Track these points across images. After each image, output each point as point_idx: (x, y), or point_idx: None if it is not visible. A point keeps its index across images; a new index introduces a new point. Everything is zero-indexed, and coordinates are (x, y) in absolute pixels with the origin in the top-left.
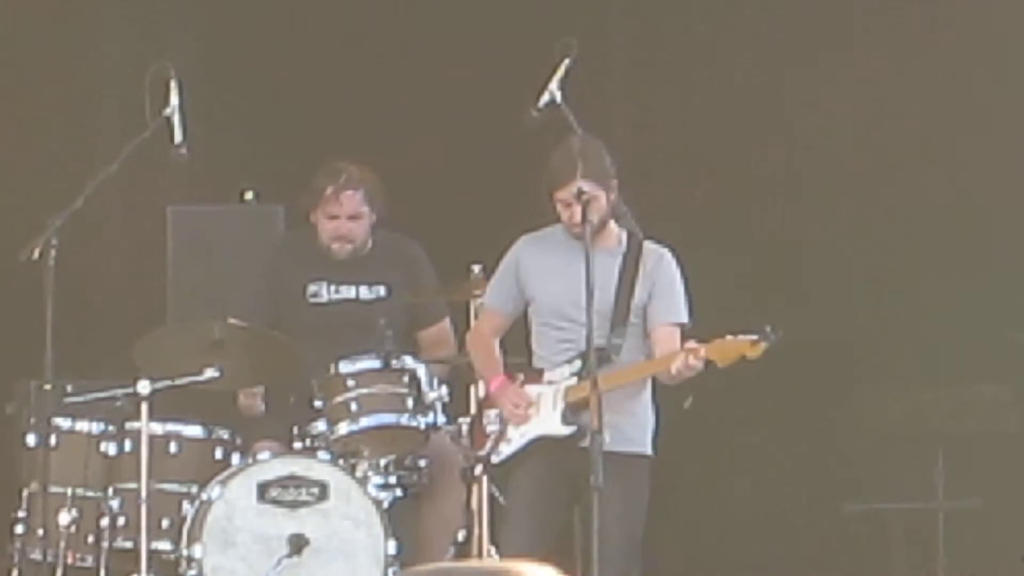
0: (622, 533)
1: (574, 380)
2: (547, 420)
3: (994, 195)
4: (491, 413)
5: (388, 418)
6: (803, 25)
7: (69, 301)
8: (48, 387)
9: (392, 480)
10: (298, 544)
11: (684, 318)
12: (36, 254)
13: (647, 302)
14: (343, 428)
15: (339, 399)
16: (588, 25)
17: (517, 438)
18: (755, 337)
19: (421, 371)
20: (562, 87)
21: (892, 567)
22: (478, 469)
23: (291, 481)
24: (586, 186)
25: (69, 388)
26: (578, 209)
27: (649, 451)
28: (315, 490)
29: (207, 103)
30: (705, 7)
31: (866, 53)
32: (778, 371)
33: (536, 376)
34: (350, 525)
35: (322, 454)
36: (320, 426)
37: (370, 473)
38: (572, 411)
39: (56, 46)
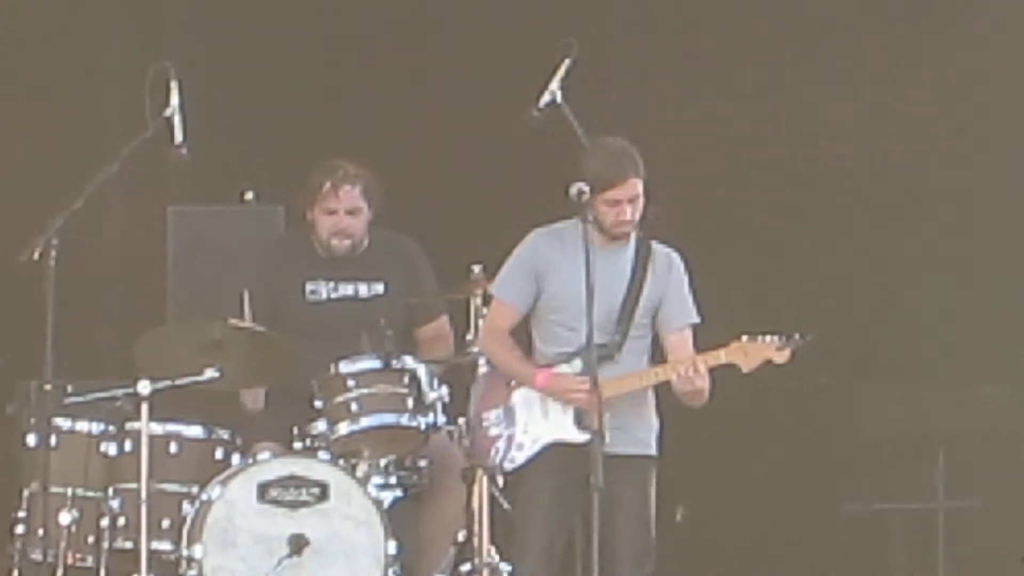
0: (637, 534)
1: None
2: (560, 425)
3: (994, 195)
4: (491, 415)
5: (388, 418)
6: (804, 26)
7: (69, 301)
8: (48, 387)
9: (392, 480)
10: (298, 544)
11: (696, 318)
12: (36, 254)
13: (658, 305)
14: (343, 428)
15: (339, 399)
16: (589, 25)
17: (529, 444)
18: (780, 341)
19: (421, 371)
20: (563, 87)
21: (892, 567)
22: (500, 479)
23: (291, 481)
24: (638, 187)
25: (69, 388)
26: (627, 207)
27: (655, 452)
28: (315, 490)
29: (207, 103)
30: (705, 8)
31: (867, 54)
32: (778, 371)
33: None
34: (350, 525)
35: (322, 454)
36: (320, 426)
37: (370, 473)
38: (588, 416)
39: (56, 46)
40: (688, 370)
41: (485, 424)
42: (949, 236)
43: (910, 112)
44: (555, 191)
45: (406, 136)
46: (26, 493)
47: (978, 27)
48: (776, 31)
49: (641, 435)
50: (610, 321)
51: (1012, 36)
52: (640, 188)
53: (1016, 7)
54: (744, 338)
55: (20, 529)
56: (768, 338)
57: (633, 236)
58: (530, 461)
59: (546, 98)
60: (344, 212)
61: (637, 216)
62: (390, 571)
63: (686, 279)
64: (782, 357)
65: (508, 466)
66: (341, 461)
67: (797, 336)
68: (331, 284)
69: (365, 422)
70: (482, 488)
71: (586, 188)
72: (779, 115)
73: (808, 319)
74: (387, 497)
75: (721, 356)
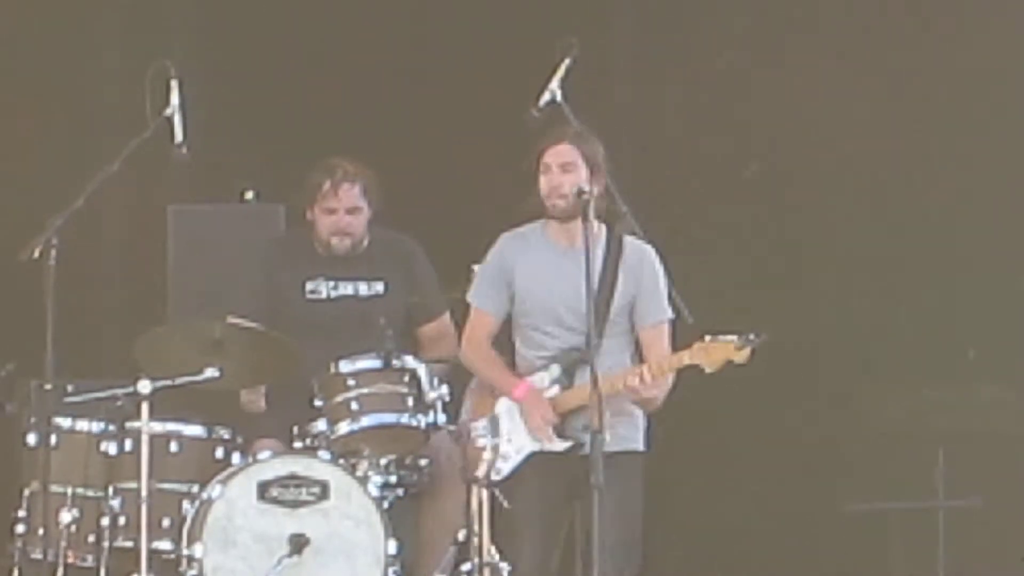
0: (618, 533)
1: (556, 389)
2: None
3: (994, 195)
4: (478, 425)
5: (389, 417)
6: (806, 25)
7: (69, 301)
8: (48, 387)
9: (392, 480)
10: (298, 544)
11: (669, 314)
12: (36, 254)
13: (632, 302)
14: (343, 427)
15: (339, 398)
16: (589, 24)
17: (513, 454)
18: (737, 340)
19: (421, 370)
20: (563, 87)
21: (892, 567)
22: (483, 493)
23: (292, 480)
24: (570, 154)
25: (69, 388)
26: (558, 174)
27: (641, 447)
28: (316, 489)
29: (207, 103)
30: (707, 6)
31: (871, 54)
32: (778, 370)
33: None
34: (350, 525)
35: (323, 453)
36: (320, 425)
37: (370, 473)
38: (567, 423)
39: (56, 46)
40: (635, 379)
41: (473, 435)
42: (949, 236)
43: (912, 111)
44: None
45: (406, 136)
46: (26, 492)
47: (980, 25)
48: (778, 31)
49: (621, 431)
50: (580, 320)
51: (1014, 35)
52: (574, 158)
53: (1017, 6)
54: (707, 338)
55: (20, 528)
56: (728, 337)
57: (604, 233)
58: (515, 472)
59: (546, 97)
60: (344, 211)
61: (569, 189)
62: (390, 571)
63: (660, 274)
64: (741, 357)
65: (495, 477)
66: (341, 460)
67: (752, 336)
68: (331, 283)
69: (365, 421)
70: (482, 488)
71: (586, 188)
72: (780, 115)
73: (808, 318)
74: (387, 496)
75: (685, 358)
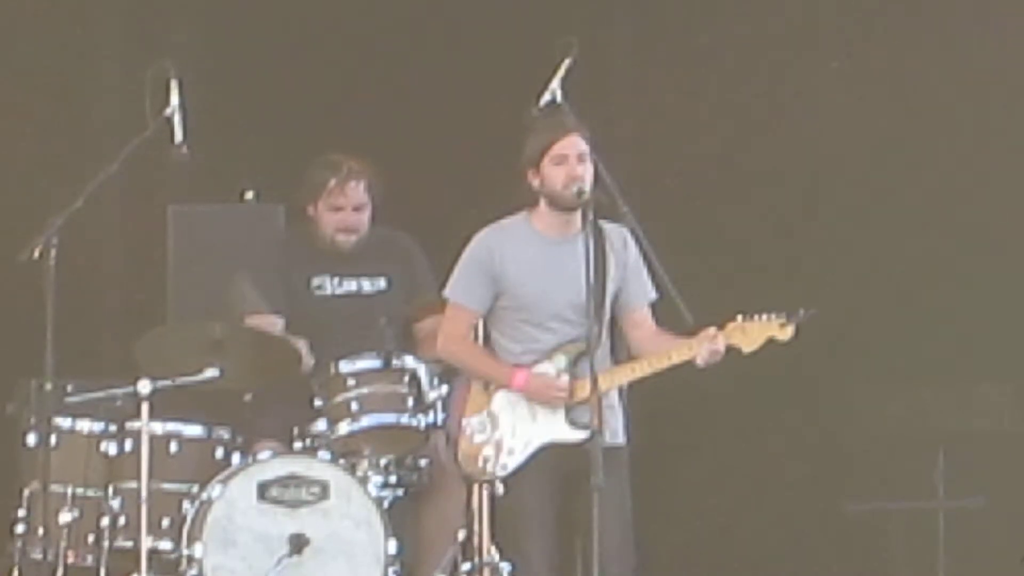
0: (622, 528)
1: (566, 378)
2: (551, 425)
3: (995, 194)
4: (472, 422)
5: (388, 418)
6: (805, 23)
7: (69, 301)
8: (48, 387)
9: (392, 480)
10: (298, 543)
11: (655, 294)
12: (36, 254)
13: (619, 287)
14: (343, 427)
15: (339, 398)
16: (589, 24)
17: (521, 448)
18: (782, 318)
19: (421, 371)
20: (563, 86)
21: (892, 567)
22: (497, 489)
23: (292, 480)
24: (583, 145)
25: (69, 388)
26: (576, 164)
27: (624, 440)
28: (316, 489)
29: (207, 103)
30: (706, 8)
31: (870, 53)
32: (778, 370)
33: None
34: (350, 525)
35: (323, 453)
36: (320, 425)
37: (370, 473)
38: (579, 413)
39: (56, 46)
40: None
41: (468, 432)
42: (950, 235)
43: (910, 112)
44: None
45: (406, 135)
46: (26, 492)
47: (982, 23)
48: (777, 31)
49: (613, 425)
50: (579, 313)
51: (1014, 31)
52: (586, 148)
53: (1017, 5)
54: (739, 318)
55: (20, 528)
56: (766, 316)
57: (578, 220)
58: (523, 466)
59: (546, 97)
60: (351, 208)
61: (589, 177)
62: (390, 570)
63: (639, 252)
64: (785, 334)
65: (501, 473)
66: (341, 460)
67: (801, 312)
68: (335, 279)
69: (365, 421)
70: (482, 487)
71: (586, 188)
72: (781, 113)
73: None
74: (387, 496)
75: (720, 339)
